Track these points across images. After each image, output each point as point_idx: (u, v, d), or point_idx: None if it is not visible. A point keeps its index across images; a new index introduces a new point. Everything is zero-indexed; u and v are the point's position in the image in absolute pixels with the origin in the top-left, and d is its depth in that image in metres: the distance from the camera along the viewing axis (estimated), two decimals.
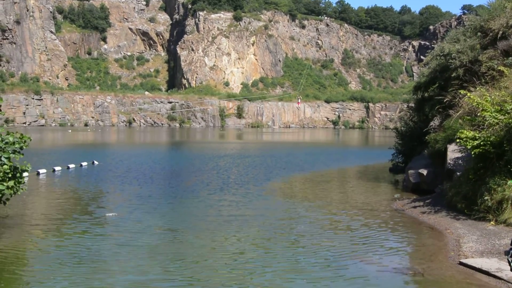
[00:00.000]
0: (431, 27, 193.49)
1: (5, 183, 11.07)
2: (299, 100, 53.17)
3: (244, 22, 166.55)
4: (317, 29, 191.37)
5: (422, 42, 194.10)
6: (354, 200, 19.96)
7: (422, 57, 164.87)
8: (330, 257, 11.53)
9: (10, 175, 11.44)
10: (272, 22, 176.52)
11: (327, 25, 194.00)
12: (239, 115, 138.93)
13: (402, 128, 30.58)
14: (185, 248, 12.28)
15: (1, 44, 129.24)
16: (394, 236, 13.89)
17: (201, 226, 14.59)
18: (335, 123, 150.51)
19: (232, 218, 15.59)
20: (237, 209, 17.38)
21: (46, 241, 12.75)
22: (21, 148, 12.37)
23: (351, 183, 26.31)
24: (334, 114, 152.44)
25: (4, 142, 11.30)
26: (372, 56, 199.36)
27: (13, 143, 11.87)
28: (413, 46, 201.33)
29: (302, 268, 10.73)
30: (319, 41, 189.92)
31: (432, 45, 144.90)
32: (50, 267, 10.61)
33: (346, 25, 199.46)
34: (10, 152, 11.58)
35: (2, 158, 11.20)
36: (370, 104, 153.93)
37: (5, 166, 11.15)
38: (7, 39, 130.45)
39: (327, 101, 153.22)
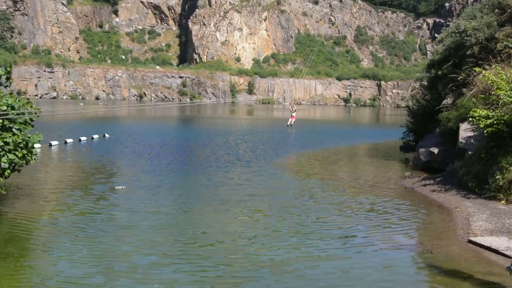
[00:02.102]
0: (446, 4, 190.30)
1: (17, 153, 11.15)
2: (293, 114, 43.27)
3: None
4: (330, 5, 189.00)
5: (437, 20, 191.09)
6: (364, 178, 19.93)
7: (436, 35, 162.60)
8: (339, 233, 11.56)
9: (21, 145, 11.52)
10: None
11: (341, 1, 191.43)
12: (250, 91, 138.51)
13: (414, 106, 30.38)
14: (194, 224, 12.36)
15: (13, 15, 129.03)
16: (404, 213, 13.88)
17: (212, 203, 14.59)
18: (346, 100, 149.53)
19: (242, 196, 15.51)
20: (247, 186, 17.28)
21: (56, 212, 12.90)
22: (31, 120, 12.42)
23: (361, 161, 26.27)
24: (346, 91, 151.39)
25: (15, 112, 11.34)
26: (386, 34, 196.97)
27: (23, 113, 11.91)
28: (428, 24, 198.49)
29: (312, 244, 10.76)
30: (332, 17, 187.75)
31: (447, 23, 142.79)
32: (58, 237, 10.74)
33: (359, 1, 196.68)
34: (20, 123, 11.64)
35: (13, 129, 11.25)
36: (382, 82, 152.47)
37: (15, 136, 11.21)
38: (19, 10, 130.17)
39: (339, 79, 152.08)
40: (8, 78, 12.49)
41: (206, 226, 11.90)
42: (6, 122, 10.96)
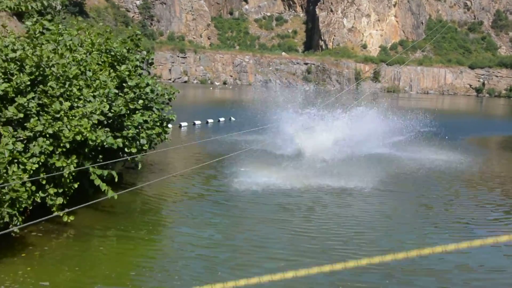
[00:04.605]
0: None
1: (154, 130, 12.31)
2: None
3: None
4: None
5: None
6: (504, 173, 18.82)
7: None
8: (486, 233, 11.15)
9: (158, 124, 12.70)
10: None
11: None
12: (376, 79, 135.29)
13: None
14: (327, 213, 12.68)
15: (154, 4, 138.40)
16: None
17: (341, 194, 14.54)
18: (478, 90, 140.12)
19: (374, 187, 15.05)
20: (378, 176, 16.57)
21: (183, 189, 13.86)
22: (169, 99, 13.63)
23: (498, 154, 24.83)
24: (478, 81, 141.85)
25: (155, 93, 12.51)
26: None
27: (163, 94, 13.13)
28: None
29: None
30: (468, 1, 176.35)
31: None
32: (185, 215, 11.68)
33: None
34: (160, 103, 12.86)
35: (154, 109, 12.45)
36: None
37: (154, 115, 12.37)
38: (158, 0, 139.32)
39: (472, 67, 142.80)
40: (151, 63, 13.81)
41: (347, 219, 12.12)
42: (146, 102, 12.16)
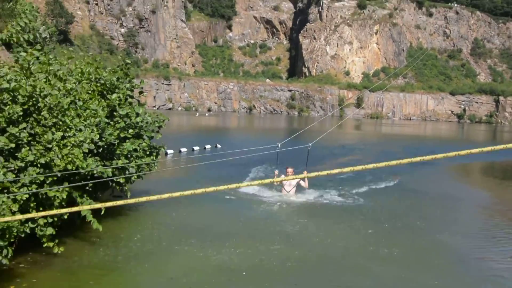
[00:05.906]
0: None
1: (143, 160, 12.30)
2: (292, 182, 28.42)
3: (368, 10, 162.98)
4: (445, 17, 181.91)
5: None
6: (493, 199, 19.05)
7: None
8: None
9: (148, 153, 12.70)
10: (397, 10, 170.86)
11: (457, 12, 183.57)
12: (359, 105, 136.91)
13: None
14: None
15: (138, 32, 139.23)
16: None
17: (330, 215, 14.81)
18: (459, 116, 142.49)
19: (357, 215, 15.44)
20: (345, 207, 17.17)
21: (174, 217, 13.81)
22: (159, 127, 13.68)
23: (478, 180, 25.17)
24: (459, 107, 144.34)
25: (145, 121, 12.56)
26: (506, 46, 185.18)
27: (153, 122, 13.18)
28: None
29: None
30: (447, 30, 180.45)
31: None
32: (180, 242, 11.63)
33: (478, 12, 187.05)
34: (151, 131, 12.89)
35: (144, 137, 12.47)
36: (501, 98, 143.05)
37: (144, 144, 12.38)
38: (143, 27, 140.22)
39: (452, 93, 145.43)
40: (141, 92, 13.91)
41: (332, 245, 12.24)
42: (137, 130, 12.20)
